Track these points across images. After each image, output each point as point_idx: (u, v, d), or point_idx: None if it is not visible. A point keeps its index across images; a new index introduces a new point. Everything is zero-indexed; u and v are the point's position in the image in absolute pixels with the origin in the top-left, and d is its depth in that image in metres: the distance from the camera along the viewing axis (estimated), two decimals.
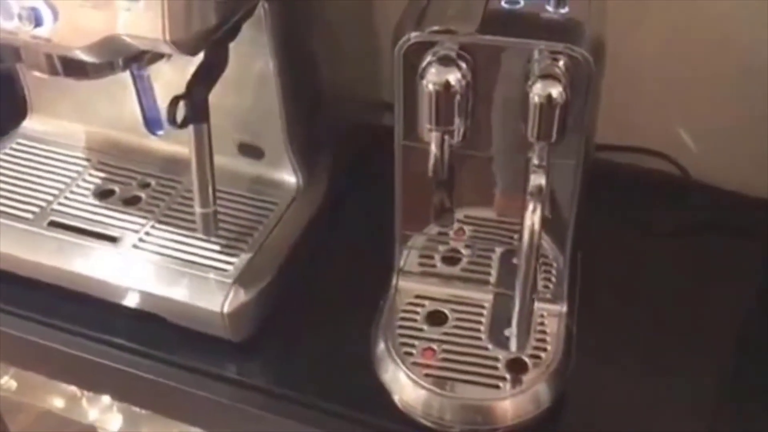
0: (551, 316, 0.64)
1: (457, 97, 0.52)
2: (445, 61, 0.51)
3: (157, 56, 0.65)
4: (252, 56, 0.66)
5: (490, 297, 0.66)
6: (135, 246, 0.69)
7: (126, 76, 0.74)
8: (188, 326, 0.67)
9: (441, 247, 0.69)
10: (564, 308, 0.64)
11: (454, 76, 0.51)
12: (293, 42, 0.67)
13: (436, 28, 0.51)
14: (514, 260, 0.68)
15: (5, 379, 0.89)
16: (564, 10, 0.52)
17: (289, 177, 0.74)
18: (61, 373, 0.74)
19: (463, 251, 0.69)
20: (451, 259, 0.69)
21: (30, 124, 0.82)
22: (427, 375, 0.60)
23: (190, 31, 0.52)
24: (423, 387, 0.60)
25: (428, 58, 0.52)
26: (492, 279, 0.67)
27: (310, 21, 0.69)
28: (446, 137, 0.54)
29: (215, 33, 0.55)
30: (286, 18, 0.65)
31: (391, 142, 0.87)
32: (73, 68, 0.62)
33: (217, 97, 0.61)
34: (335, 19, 0.74)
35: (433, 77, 0.51)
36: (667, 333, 0.69)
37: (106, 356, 0.69)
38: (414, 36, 0.52)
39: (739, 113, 0.75)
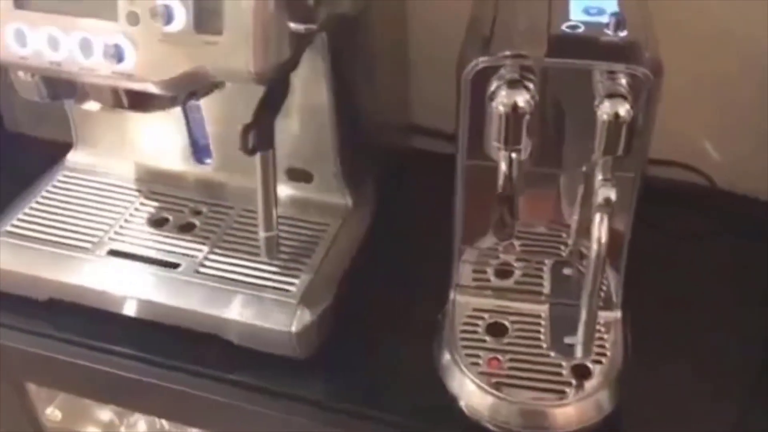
0: (607, 323, 0.67)
1: (526, 117, 0.54)
2: (514, 84, 0.54)
3: (214, 88, 0.67)
4: (306, 85, 0.69)
5: (545, 307, 0.69)
6: (196, 271, 0.71)
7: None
8: (253, 347, 0.69)
9: (493, 261, 0.72)
10: (619, 315, 0.67)
11: (522, 98, 0.54)
12: (346, 70, 0.70)
13: (507, 53, 0.54)
14: (565, 271, 0.71)
15: (50, 409, 0.90)
16: (623, 34, 0.55)
17: (338, 199, 0.77)
18: (125, 401, 0.76)
19: (515, 264, 0.72)
20: (504, 272, 0.72)
21: (75, 156, 0.84)
22: (495, 383, 0.63)
23: (270, 63, 0.55)
24: (492, 394, 0.62)
25: (496, 81, 0.55)
26: (545, 290, 0.70)
27: (359, 51, 0.72)
28: (513, 155, 0.56)
29: (289, 64, 0.57)
30: (341, 48, 0.67)
31: (422, 163, 0.91)
32: (138, 102, 0.65)
33: None
34: (377, 48, 0.77)
35: (503, 99, 0.54)
36: (708, 336, 0.72)
37: (166, 379, 0.70)
38: (483, 60, 0.55)
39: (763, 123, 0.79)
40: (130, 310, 0.71)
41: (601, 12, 0.58)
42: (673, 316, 0.73)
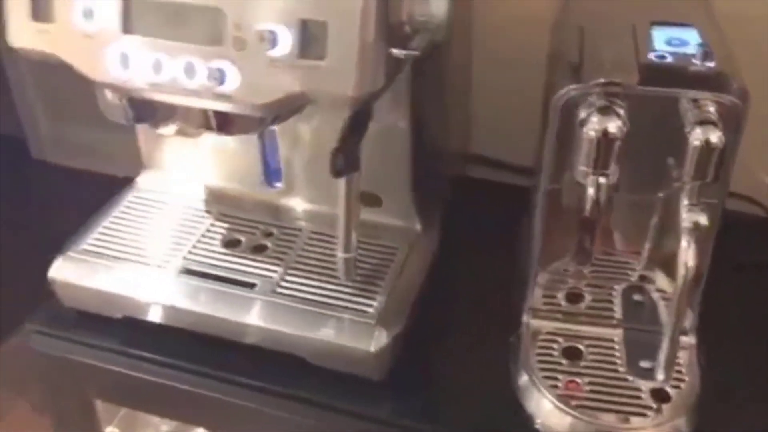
0: (682, 347, 0.68)
1: (617, 143, 0.56)
2: (606, 110, 0.56)
3: (294, 113, 0.69)
4: (386, 111, 0.70)
5: (619, 332, 0.70)
6: (273, 291, 0.72)
7: None
8: (329, 366, 0.70)
9: (563, 285, 0.73)
10: (694, 340, 0.68)
11: (614, 124, 0.56)
12: (424, 98, 0.72)
13: (601, 80, 0.55)
14: (635, 297, 0.72)
15: (109, 428, 0.90)
16: (711, 64, 0.57)
17: (407, 224, 0.79)
18: (198, 418, 0.77)
19: (584, 289, 0.73)
20: (574, 296, 0.73)
21: (145, 178, 0.86)
22: (576, 405, 0.64)
23: (370, 88, 0.57)
24: (572, 416, 0.63)
25: (586, 108, 0.57)
26: (617, 315, 0.71)
27: (436, 79, 0.74)
28: (602, 180, 0.58)
29: (382, 91, 0.59)
30: (422, 76, 0.69)
31: (478, 191, 0.93)
32: (225, 124, 0.67)
33: None
34: (451, 77, 0.79)
35: (595, 125, 0.56)
36: None
37: (237, 396, 0.72)
38: (576, 87, 0.57)
39: None
40: (207, 328, 0.73)
41: (683, 43, 0.60)
42: (739, 343, 0.74)
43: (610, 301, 0.72)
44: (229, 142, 0.81)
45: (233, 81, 0.58)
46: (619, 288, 0.73)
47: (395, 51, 0.56)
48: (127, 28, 0.59)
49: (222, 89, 0.59)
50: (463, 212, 0.90)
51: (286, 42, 0.56)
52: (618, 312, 0.71)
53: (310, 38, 0.55)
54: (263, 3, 0.56)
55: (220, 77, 0.58)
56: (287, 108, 0.60)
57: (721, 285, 0.79)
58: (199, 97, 0.60)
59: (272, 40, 0.56)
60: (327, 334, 0.69)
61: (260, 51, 0.56)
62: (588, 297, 0.73)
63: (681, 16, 0.64)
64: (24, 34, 0.62)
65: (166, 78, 0.60)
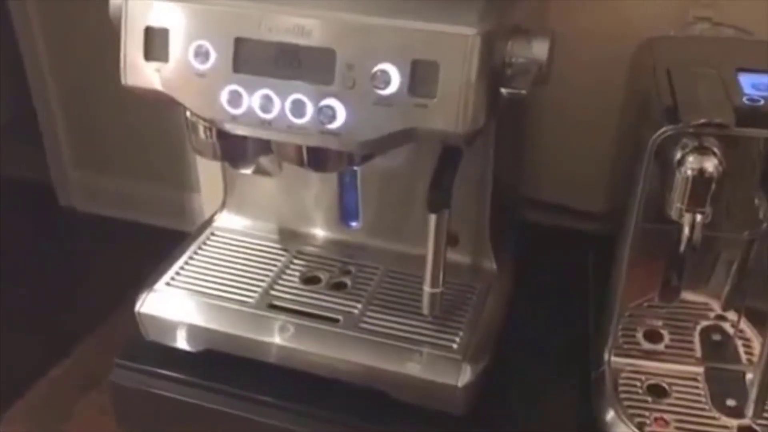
0: None
1: (713, 182, 0.58)
2: (704, 150, 0.58)
3: (379, 153, 0.72)
4: (471, 154, 0.73)
5: (701, 370, 0.71)
6: (357, 326, 0.74)
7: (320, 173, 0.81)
8: (413, 401, 0.71)
9: (640, 325, 0.75)
10: None
11: (711, 164, 0.58)
12: (506, 145, 0.74)
13: (703, 120, 0.58)
14: (716, 337, 0.73)
15: None
16: None
17: (484, 263, 0.80)
18: None
19: (662, 330, 0.75)
20: (653, 334, 0.74)
21: (225, 216, 0.88)
22: None
23: (476, 125, 0.59)
24: None
25: (681, 148, 0.59)
26: (697, 354, 0.72)
27: (515, 123, 0.77)
28: (698, 218, 0.60)
29: (485, 128, 0.61)
30: (506, 122, 0.72)
31: (542, 236, 0.95)
32: (318, 161, 0.69)
33: None
34: (527, 123, 0.82)
35: (692, 164, 0.58)
36: None
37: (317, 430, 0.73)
38: (673, 128, 0.59)
39: None
40: (289, 362, 0.74)
41: None
42: None
43: (690, 341, 0.73)
44: (307, 181, 0.83)
45: (341, 118, 0.61)
46: (697, 327, 0.74)
47: (504, 90, 0.58)
48: (239, 67, 0.62)
49: (330, 127, 0.61)
50: (531, 256, 0.92)
51: (396, 81, 0.58)
52: (698, 351, 0.72)
53: (422, 78, 0.58)
54: (375, 43, 0.59)
55: (329, 115, 0.60)
56: (392, 145, 0.63)
57: None
58: (306, 135, 0.62)
59: (385, 80, 0.58)
60: (413, 368, 0.70)
61: (370, 90, 0.59)
62: (666, 336, 0.74)
63: (761, 62, 0.67)
64: (137, 74, 0.65)
65: (274, 115, 0.62)
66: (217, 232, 0.87)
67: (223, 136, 0.70)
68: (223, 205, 0.89)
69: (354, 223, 0.84)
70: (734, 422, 0.66)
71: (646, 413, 0.67)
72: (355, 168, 0.80)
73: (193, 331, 0.77)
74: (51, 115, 2.06)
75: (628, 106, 0.70)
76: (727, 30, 0.74)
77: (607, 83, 0.85)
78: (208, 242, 0.86)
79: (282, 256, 0.84)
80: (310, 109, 0.61)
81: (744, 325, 0.73)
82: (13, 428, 1.12)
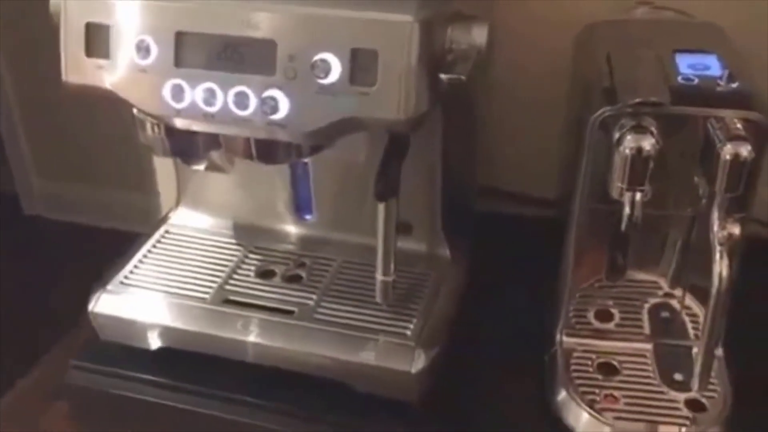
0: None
1: (650, 160, 0.59)
2: (640, 129, 0.59)
3: (329, 144, 0.72)
4: (419, 140, 0.73)
5: (649, 347, 0.72)
6: (312, 317, 0.74)
7: (274, 167, 0.81)
8: (369, 390, 0.71)
9: (591, 305, 0.76)
10: (721, 352, 0.71)
11: (648, 142, 0.59)
12: (454, 131, 0.75)
13: (638, 99, 0.59)
14: (664, 314, 0.75)
15: None
16: (735, 84, 0.61)
17: (437, 251, 0.81)
18: None
19: (612, 309, 0.76)
20: (604, 313, 0.75)
21: (179, 213, 0.88)
22: (614, 418, 0.66)
23: (419, 111, 0.60)
24: (612, 427, 0.65)
25: (619, 128, 0.60)
26: (646, 331, 0.74)
27: (464, 109, 0.78)
28: (638, 196, 0.61)
29: (427, 115, 0.62)
30: (452, 110, 0.73)
31: (498, 224, 0.96)
32: (266, 153, 0.69)
33: None
34: (477, 109, 0.83)
35: (630, 143, 0.59)
36: None
37: (277, 423, 0.73)
38: (611, 109, 0.60)
39: None
40: (245, 356, 0.74)
41: (706, 67, 0.64)
42: (762, 360, 0.77)
43: (638, 319, 0.75)
44: (260, 175, 0.83)
45: (284, 109, 0.61)
46: (645, 306, 0.75)
47: (443, 75, 0.59)
48: (181, 61, 0.62)
49: (274, 118, 0.61)
50: (486, 243, 0.93)
51: (337, 70, 0.59)
52: (646, 328, 0.74)
53: (361, 66, 0.59)
54: (315, 34, 0.59)
55: (272, 106, 0.61)
56: (333, 135, 0.63)
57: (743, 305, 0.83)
58: (249, 127, 0.62)
59: (325, 69, 0.59)
60: (367, 356, 0.70)
61: (311, 79, 0.59)
62: (617, 315, 0.75)
63: (698, 41, 0.68)
64: (79, 70, 0.65)
65: (217, 108, 0.62)
66: (171, 230, 0.87)
67: (171, 131, 0.69)
68: (177, 203, 0.88)
69: (308, 216, 0.85)
70: (681, 396, 0.67)
71: (597, 391, 0.68)
72: (306, 160, 0.80)
73: (148, 329, 0.76)
74: (12, 126, 2.04)
75: (573, 91, 0.71)
76: (667, 13, 0.75)
77: (556, 69, 0.86)
78: (163, 240, 0.86)
79: (237, 251, 0.84)
80: (253, 101, 0.61)
81: (690, 301, 0.74)
82: None
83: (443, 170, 0.76)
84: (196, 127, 0.64)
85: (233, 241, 0.85)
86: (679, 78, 0.62)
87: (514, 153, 0.97)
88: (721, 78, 0.61)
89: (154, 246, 0.85)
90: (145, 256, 0.83)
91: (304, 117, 0.61)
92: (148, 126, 0.71)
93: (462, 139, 0.80)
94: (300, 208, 0.84)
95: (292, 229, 0.85)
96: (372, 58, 0.58)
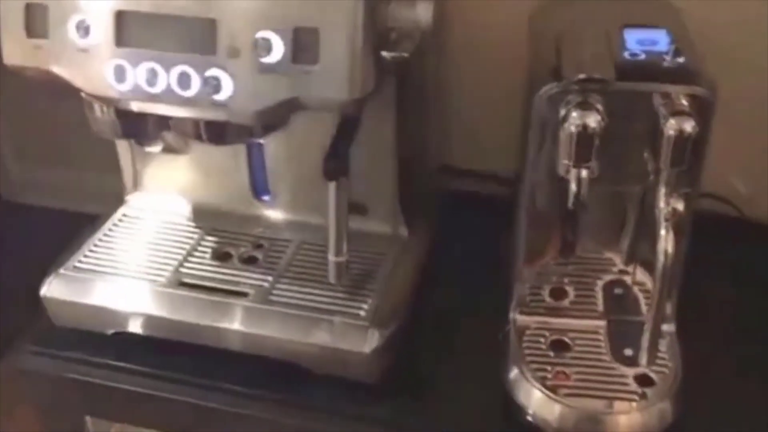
0: (663, 335, 0.70)
1: (596, 137, 0.59)
2: (586, 106, 0.59)
3: (282, 124, 0.71)
4: (371, 120, 0.73)
5: (602, 324, 0.73)
6: (266, 299, 0.74)
7: (230, 148, 0.81)
8: (325, 371, 0.71)
9: (547, 283, 0.76)
10: (673, 328, 0.71)
11: (594, 119, 0.59)
12: (408, 108, 0.74)
13: (582, 76, 0.59)
14: (617, 290, 0.75)
15: None
16: (681, 60, 0.61)
17: (394, 231, 0.81)
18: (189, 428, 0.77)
19: (567, 286, 0.76)
20: (558, 291, 0.76)
21: (135, 197, 0.87)
22: (565, 394, 0.66)
23: (362, 91, 0.59)
24: (561, 403, 0.65)
25: (565, 105, 0.60)
26: (599, 308, 0.74)
27: (418, 89, 0.77)
28: (584, 173, 0.61)
29: (372, 95, 0.62)
30: (405, 86, 0.72)
31: (461, 204, 0.96)
32: (216, 134, 0.69)
33: None
34: (431, 89, 0.82)
35: (575, 120, 0.59)
36: (747, 350, 0.76)
37: (233, 405, 0.73)
38: (557, 85, 0.60)
39: None
40: (200, 339, 0.74)
41: (654, 42, 0.64)
42: (713, 332, 0.77)
43: (593, 296, 0.75)
44: (216, 157, 0.82)
45: (227, 89, 0.60)
46: (600, 283, 0.76)
47: (385, 53, 0.59)
48: (121, 40, 0.61)
49: (217, 97, 0.60)
50: (446, 223, 0.93)
51: (279, 49, 0.58)
52: (600, 305, 0.74)
53: (303, 44, 0.58)
54: (255, 12, 0.58)
55: (215, 85, 0.60)
56: (279, 115, 0.62)
57: (697, 281, 0.83)
58: (194, 107, 0.62)
59: (266, 48, 0.58)
60: (321, 337, 0.70)
61: (253, 58, 0.59)
62: (571, 292, 0.75)
63: (649, 19, 0.68)
64: (19, 51, 0.64)
65: (160, 89, 0.61)
66: (128, 213, 0.86)
67: (121, 113, 0.68)
68: (134, 185, 0.88)
69: (266, 197, 0.84)
70: (631, 371, 0.67)
71: (548, 368, 0.68)
72: (261, 141, 0.79)
73: (101, 313, 0.76)
74: None
75: (528, 69, 0.70)
76: None
77: (514, 47, 0.85)
78: (119, 223, 0.85)
79: (194, 233, 0.83)
80: (196, 81, 0.61)
81: (643, 277, 0.75)
82: None
83: (398, 149, 0.76)
84: (138, 107, 0.63)
85: (190, 223, 0.84)
86: (626, 54, 0.62)
87: (476, 131, 0.97)
88: (667, 53, 0.61)
89: (110, 229, 0.84)
90: (100, 239, 0.83)
91: (248, 97, 0.60)
92: (98, 108, 0.70)
93: (418, 118, 0.80)
94: (257, 189, 0.84)
95: (249, 211, 0.84)
96: (314, 37, 0.58)
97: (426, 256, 0.82)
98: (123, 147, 0.87)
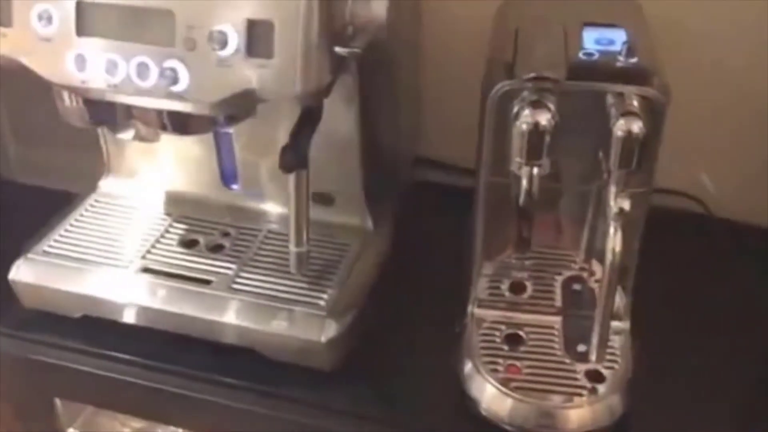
0: (616, 332, 0.71)
1: (546, 135, 0.60)
2: (537, 104, 0.60)
3: (247, 115, 0.72)
4: (335, 112, 0.73)
5: (558, 319, 0.73)
6: (229, 287, 0.75)
7: (200, 137, 0.81)
8: (282, 358, 0.73)
9: (506, 277, 0.77)
10: (627, 325, 0.72)
11: (544, 117, 0.59)
12: (372, 99, 0.75)
13: (532, 75, 0.59)
14: (576, 286, 0.76)
15: (71, 430, 0.92)
16: (634, 60, 0.61)
17: (359, 221, 0.82)
18: (154, 413, 0.79)
19: (527, 280, 0.77)
20: (517, 286, 0.76)
21: (107, 182, 0.88)
22: (514, 387, 0.67)
23: (316, 84, 0.60)
24: (511, 397, 0.67)
25: (519, 102, 0.61)
26: (557, 303, 0.75)
27: (384, 81, 0.78)
28: (535, 171, 0.61)
29: (327, 88, 0.62)
30: (369, 78, 0.73)
31: (432, 196, 0.97)
32: (180, 125, 0.69)
33: None
34: (399, 80, 0.83)
35: (526, 118, 0.60)
36: (707, 351, 0.76)
37: (195, 390, 0.74)
38: (509, 83, 0.60)
39: (758, 155, 0.85)
40: (164, 324, 0.75)
41: (611, 42, 0.64)
42: (671, 331, 0.78)
43: (551, 291, 0.76)
44: (187, 145, 0.83)
45: (185, 80, 0.61)
46: (559, 278, 0.76)
47: (338, 49, 0.59)
48: (82, 30, 0.62)
49: (174, 89, 0.61)
50: (416, 215, 0.94)
51: (234, 42, 0.59)
52: (558, 301, 0.75)
53: (258, 38, 0.59)
54: (212, 4, 0.59)
55: (172, 77, 0.61)
56: (237, 106, 0.63)
57: (657, 277, 0.84)
58: (153, 97, 0.63)
59: (221, 41, 0.59)
60: (279, 326, 0.71)
61: (210, 51, 0.60)
62: (530, 287, 0.76)
63: (611, 18, 0.68)
64: None
65: (120, 78, 0.62)
66: (99, 198, 0.87)
67: (88, 101, 0.69)
68: (107, 171, 0.89)
69: (234, 186, 0.85)
70: (582, 366, 0.68)
71: (501, 361, 0.69)
72: (229, 131, 0.80)
73: (68, 297, 0.77)
74: None
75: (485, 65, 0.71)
76: None
77: (482, 41, 0.86)
78: (90, 208, 0.86)
79: (163, 220, 0.84)
80: (154, 72, 0.61)
81: (600, 273, 0.75)
82: None
83: (362, 141, 0.77)
84: (101, 96, 0.64)
85: (160, 210, 0.85)
86: (580, 53, 0.62)
87: (451, 123, 0.97)
88: (620, 53, 0.62)
89: (81, 215, 0.85)
90: (71, 224, 0.84)
91: (205, 89, 0.61)
92: (66, 96, 0.70)
93: (385, 110, 0.81)
94: (226, 178, 0.85)
95: (218, 199, 0.85)
96: (268, 30, 0.59)
97: (391, 247, 0.83)
98: (98, 133, 0.88)
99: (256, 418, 0.72)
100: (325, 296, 0.74)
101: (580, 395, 0.67)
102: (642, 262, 0.74)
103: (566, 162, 0.67)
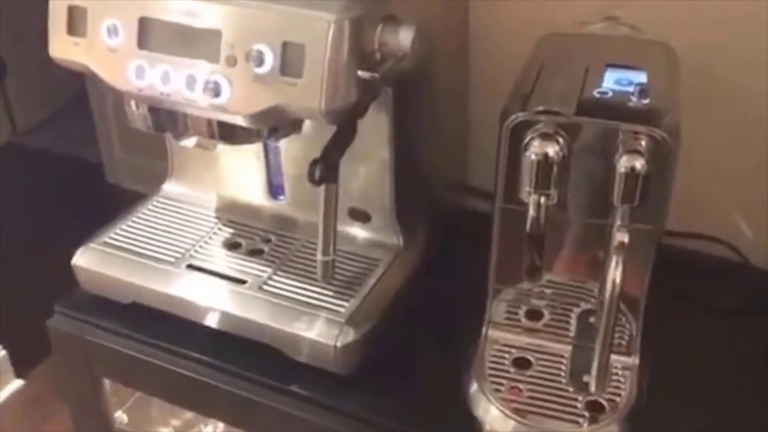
0: (625, 368, 0.72)
1: (555, 166, 0.63)
2: (546, 136, 0.63)
3: (292, 131, 0.78)
4: (372, 134, 0.78)
5: (569, 348, 0.75)
6: (260, 288, 0.80)
7: (253, 149, 0.88)
8: (300, 359, 0.77)
9: (525, 304, 0.79)
10: (636, 361, 0.73)
11: (553, 149, 0.62)
12: (408, 124, 0.80)
13: (540, 108, 0.62)
14: (591, 319, 0.77)
15: (119, 413, 0.99)
16: (646, 101, 0.63)
17: (391, 240, 0.86)
18: (186, 399, 0.85)
19: (545, 308, 0.79)
20: (535, 313, 0.79)
21: (170, 185, 0.96)
22: (515, 408, 0.69)
23: (339, 105, 0.65)
24: (511, 418, 0.69)
25: (531, 133, 0.64)
26: (571, 333, 0.77)
27: (421, 108, 0.82)
28: (543, 200, 0.64)
29: (354, 108, 0.67)
30: (405, 103, 0.77)
31: (472, 223, 0.99)
32: (227, 134, 0.76)
33: None
34: (439, 108, 0.87)
35: (535, 149, 0.63)
36: (724, 401, 0.76)
37: (221, 381, 0.80)
38: (521, 115, 0.64)
39: None
40: (199, 317, 0.81)
41: (631, 83, 0.67)
42: (692, 373, 0.78)
43: (567, 321, 0.77)
44: (241, 157, 0.90)
45: (226, 93, 0.67)
46: (576, 310, 0.78)
47: (360, 73, 0.64)
48: (143, 43, 0.70)
49: (216, 101, 0.68)
50: (454, 238, 0.97)
51: (270, 61, 0.65)
52: (572, 331, 0.76)
53: (291, 58, 0.64)
54: (253, 25, 0.65)
55: (215, 89, 0.67)
56: (272, 120, 0.69)
57: (683, 323, 0.84)
58: (197, 107, 0.69)
59: (259, 59, 0.65)
60: (299, 327, 0.76)
61: (248, 68, 0.66)
62: (547, 315, 0.78)
63: (640, 60, 0.71)
64: (61, 47, 0.73)
65: (172, 88, 0.69)
66: (160, 199, 0.95)
67: (153, 108, 0.77)
68: (170, 175, 0.96)
69: (281, 197, 0.91)
70: (583, 396, 0.70)
71: (505, 382, 0.72)
72: (277, 145, 0.86)
73: (119, 284, 0.85)
74: (101, 101, 2.19)
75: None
76: (622, 28, 0.77)
77: None
78: (151, 207, 0.94)
79: (213, 223, 0.91)
80: (200, 84, 0.68)
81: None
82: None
83: (395, 165, 0.81)
84: (154, 104, 0.72)
85: (211, 213, 0.92)
86: (596, 91, 0.65)
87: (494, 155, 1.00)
88: (633, 93, 0.64)
89: (143, 212, 0.93)
90: (133, 221, 0.92)
91: (242, 102, 0.67)
92: (133, 103, 0.78)
93: (422, 137, 0.85)
94: (273, 189, 0.91)
95: (264, 207, 0.91)
96: (300, 52, 0.64)
97: (420, 266, 0.87)
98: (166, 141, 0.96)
99: (280, 415, 0.76)
100: (346, 305, 0.78)
101: (577, 423, 0.68)
102: (670, 303, 0.76)
103: (578, 194, 0.69)
